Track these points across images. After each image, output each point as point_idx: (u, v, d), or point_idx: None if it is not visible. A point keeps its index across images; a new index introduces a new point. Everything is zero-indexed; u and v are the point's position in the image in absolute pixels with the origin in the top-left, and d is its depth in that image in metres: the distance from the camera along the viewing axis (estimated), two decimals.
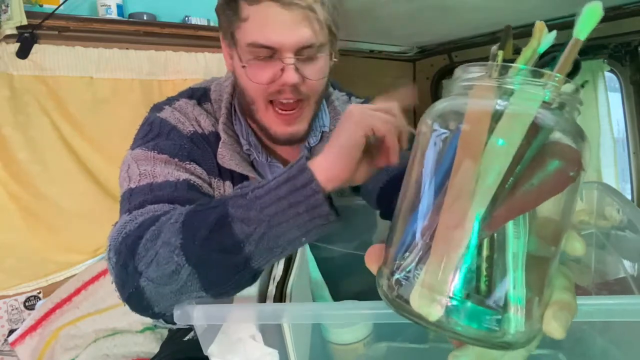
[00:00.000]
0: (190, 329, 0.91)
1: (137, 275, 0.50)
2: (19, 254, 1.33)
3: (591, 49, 1.82)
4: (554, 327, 0.29)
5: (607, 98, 1.86)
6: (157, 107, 0.76)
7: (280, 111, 0.69)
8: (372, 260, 0.34)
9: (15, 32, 1.23)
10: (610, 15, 1.59)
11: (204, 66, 1.62)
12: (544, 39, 0.31)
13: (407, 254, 0.29)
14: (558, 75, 0.28)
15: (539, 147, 0.27)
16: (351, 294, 0.68)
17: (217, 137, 0.74)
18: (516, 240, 0.27)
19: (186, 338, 0.90)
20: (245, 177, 0.75)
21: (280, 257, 0.49)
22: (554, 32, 0.31)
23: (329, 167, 0.46)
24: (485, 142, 0.27)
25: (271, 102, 0.69)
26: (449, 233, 0.27)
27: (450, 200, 0.27)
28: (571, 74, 0.30)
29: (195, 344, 0.76)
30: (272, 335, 0.50)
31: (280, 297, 0.57)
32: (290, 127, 0.71)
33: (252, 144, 0.76)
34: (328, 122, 0.80)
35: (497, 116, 0.27)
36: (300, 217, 0.45)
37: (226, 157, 0.72)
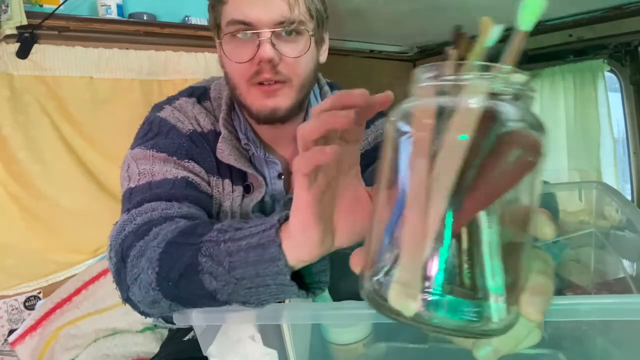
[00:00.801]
0: (190, 329, 0.91)
1: (127, 286, 0.51)
2: (19, 254, 1.34)
3: (591, 49, 1.82)
4: (529, 312, 0.29)
5: (607, 98, 1.86)
6: (158, 107, 0.77)
7: (261, 86, 0.69)
8: (356, 262, 0.34)
9: (15, 32, 1.23)
10: (610, 15, 1.59)
11: (204, 66, 1.62)
12: (491, 33, 0.32)
13: (387, 254, 0.30)
14: (505, 66, 0.29)
15: (496, 138, 0.28)
16: (351, 294, 0.68)
17: (216, 135, 0.74)
18: (489, 229, 0.28)
19: (186, 338, 0.90)
20: (243, 174, 0.75)
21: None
22: (500, 26, 0.32)
23: (297, 242, 0.40)
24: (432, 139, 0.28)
25: (254, 85, 0.70)
26: (414, 230, 0.28)
27: (411, 199, 0.29)
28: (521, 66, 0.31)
29: (195, 344, 0.76)
30: (271, 335, 0.50)
31: None
32: (271, 101, 0.69)
33: (250, 138, 0.76)
34: None
35: (447, 113, 0.28)
36: (269, 288, 0.42)
37: (225, 151, 0.73)
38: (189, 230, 0.50)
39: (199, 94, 0.79)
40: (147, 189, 0.62)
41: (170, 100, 0.77)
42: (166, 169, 0.66)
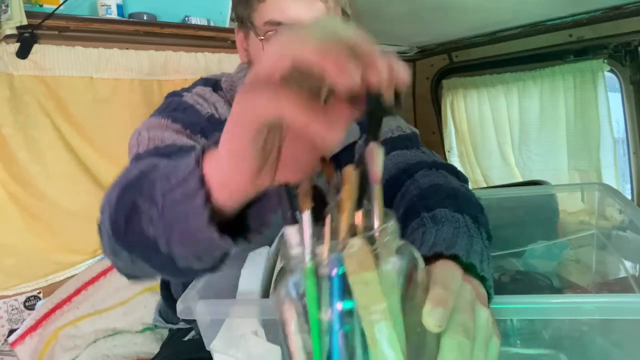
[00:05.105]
0: (190, 329, 0.91)
1: (100, 236, 0.47)
2: (19, 254, 1.33)
3: (591, 49, 1.82)
4: (430, 323, 0.31)
5: (607, 98, 1.86)
6: (175, 93, 0.77)
7: None
8: None
9: (15, 32, 1.23)
10: (610, 15, 1.59)
11: (204, 66, 1.62)
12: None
13: None
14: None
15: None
16: None
17: None
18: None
19: (186, 338, 0.90)
20: None
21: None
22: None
23: (226, 168, 0.32)
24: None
25: None
26: None
27: None
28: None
29: (195, 344, 0.76)
30: (274, 331, 0.50)
31: None
32: None
33: None
34: None
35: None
36: (194, 235, 0.35)
37: None
38: (149, 169, 0.44)
39: (212, 83, 0.80)
40: (153, 152, 0.60)
41: (187, 89, 0.78)
42: (176, 137, 0.64)
